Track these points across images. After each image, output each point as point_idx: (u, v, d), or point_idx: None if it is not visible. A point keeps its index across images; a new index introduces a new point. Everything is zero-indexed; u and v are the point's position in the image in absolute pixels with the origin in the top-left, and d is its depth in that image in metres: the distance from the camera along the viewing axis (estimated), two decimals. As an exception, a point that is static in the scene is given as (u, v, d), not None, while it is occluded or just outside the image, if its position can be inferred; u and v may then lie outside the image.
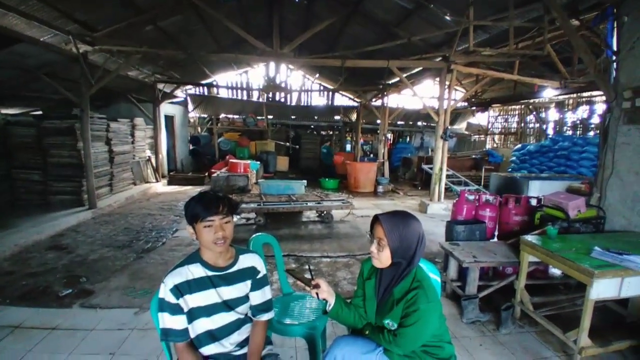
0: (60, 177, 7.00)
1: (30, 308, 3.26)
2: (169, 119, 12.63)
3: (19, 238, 5.01)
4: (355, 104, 16.02)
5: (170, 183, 10.94)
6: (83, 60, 6.40)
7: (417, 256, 1.59)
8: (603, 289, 2.30)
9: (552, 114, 13.25)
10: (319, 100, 18.08)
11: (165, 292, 1.51)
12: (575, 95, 11.08)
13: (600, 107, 10.54)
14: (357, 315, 1.76)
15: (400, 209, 1.72)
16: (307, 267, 4.39)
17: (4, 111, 8.09)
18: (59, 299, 3.47)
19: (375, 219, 1.63)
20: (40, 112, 8.88)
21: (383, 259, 1.59)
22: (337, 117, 17.24)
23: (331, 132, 18.18)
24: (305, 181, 7.99)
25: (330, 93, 17.50)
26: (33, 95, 8.02)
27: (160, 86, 11.15)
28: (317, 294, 1.68)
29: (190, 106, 14.93)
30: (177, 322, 1.52)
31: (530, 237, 3.00)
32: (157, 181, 10.54)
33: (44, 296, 3.53)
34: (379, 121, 12.88)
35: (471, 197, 4.10)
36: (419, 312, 1.50)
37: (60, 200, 7.00)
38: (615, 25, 3.90)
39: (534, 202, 3.97)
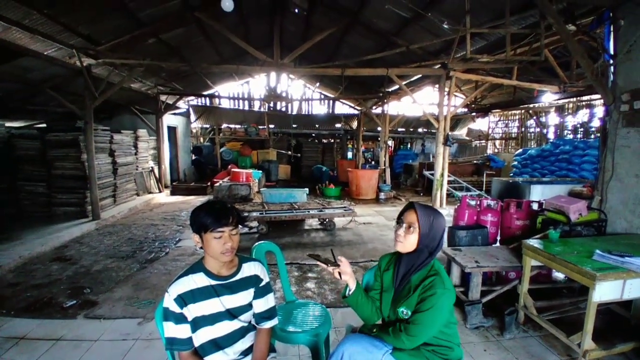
0: (64, 189, 7.05)
1: (34, 319, 3.27)
2: (172, 130, 12.73)
3: (23, 250, 5.04)
4: (356, 112, 16.11)
5: (173, 193, 10.98)
6: (87, 74, 6.51)
7: (439, 248, 1.69)
8: (605, 291, 2.30)
9: (553, 118, 13.30)
10: (319, 108, 18.20)
11: (169, 301, 1.53)
12: (575, 99, 11.13)
13: (600, 111, 10.56)
14: (374, 307, 1.80)
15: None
16: (309, 275, 4.39)
17: (8, 124, 8.18)
18: (64, 310, 3.49)
19: (410, 206, 1.73)
20: (44, 125, 8.98)
21: (409, 243, 1.67)
22: (338, 125, 17.35)
23: (332, 140, 18.27)
24: (307, 189, 8.02)
25: (331, 102, 17.62)
26: (37, 109, 8.14)
27: (162, 98, 11.28)
28: (339, 273, 1.71)
29: (193, 117, 15.09)
30: (181, 331, 1.54)
31: (532, 241, 3.01)
32: (160, 192, 10.59)
33: (48, 307, 3.54)
34: (379, 128, 12.94)
35: (473, 203, 4.11)
36: (436, 296, 1.56)
37: (64, 212, 7.05)
38: (612, 29, 3.94)
39: (535, 206, 3.98)
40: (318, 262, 1.73)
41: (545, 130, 13.50)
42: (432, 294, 1.56)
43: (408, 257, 1.70)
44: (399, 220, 1.74)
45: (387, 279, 1.81)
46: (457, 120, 16.53)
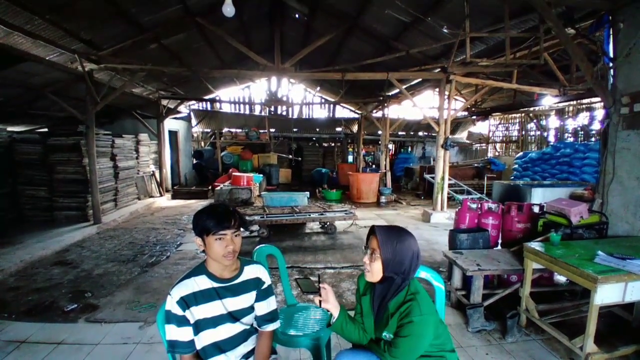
0: (65, 193, 7.07)
1: (35, 323, 3.27)
2: (173, 134, 12.77)
3: (24, 254, 5.05)
4: (357, 116, 16.15)
5: (174, 197, 11.00)
6: (88, 79, 6.54)
7: (411, 272, 1.58)
8: (607, 294, 2.29)
9: (553, 122, 13.31)
10: (320, 112, 18.25)
11: (171, 304, 1.53)
12: (575, 102, 11.14)
13: (600, 114, 10.57)
14: (362, 330, 1.74)
15: (397, 224, 1.73)
16: (311, 278, 4.38)
17: (10, 128, 8.20)
18: (65, 313, 3.49)
19: (372, 231, 1.64)
20: (46, 129, 9.00)
21: (374, 271, 1.59)
22: (338, 129, 17.39)
23: (333, 144, 18.30)
24: (308, 193, 8.03)
25: (332, 105, 17.67)
26: (39, 113, 8.16)
27: (164, 102, 11.32)
28: (320, 302, 1.66)
29: (194, 121, 15.12)
30: (183, 334, 1.54)
31: (533, 244, 3.00)
32: (161, 195, 10.60)
33: (49, 311, 3.54)
34: (380, 132, 12.96)
35: (474, 206, 4.10)
36: (413, 324, 1.48)
37: (66, 216, 7.06)
38: (611, 32, 3.95)
39: (536, 209, 3.97)
40: (302, 291, 1.71)
41: (545, 133, 13.51)
42: (409, 321, 1.48)
43: (380, 287, 1.63)
44: (366, 246, 1.66)
45: (365, 304, 1.75)
46: (457, 124, 16.54)
